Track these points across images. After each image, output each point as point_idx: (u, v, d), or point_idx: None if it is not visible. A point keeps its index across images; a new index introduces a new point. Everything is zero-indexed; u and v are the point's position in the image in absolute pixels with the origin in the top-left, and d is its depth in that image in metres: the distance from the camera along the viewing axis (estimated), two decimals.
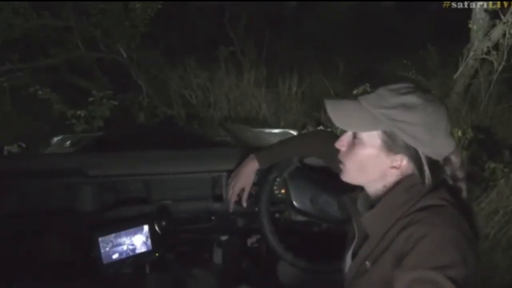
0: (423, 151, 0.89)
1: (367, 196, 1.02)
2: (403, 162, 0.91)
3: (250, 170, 1.42)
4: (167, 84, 4.72)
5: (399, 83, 0.93)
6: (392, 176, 0.93)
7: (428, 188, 0.90)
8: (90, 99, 3.80)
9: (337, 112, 0.95)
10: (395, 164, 0.92)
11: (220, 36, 5.21)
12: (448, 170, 0.93)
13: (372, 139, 0.92)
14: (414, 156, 0.90)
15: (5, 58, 4.16)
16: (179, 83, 4.67)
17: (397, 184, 0.93)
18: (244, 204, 1.45)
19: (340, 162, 1.00)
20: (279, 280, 1.53)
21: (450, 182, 0.94)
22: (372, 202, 0.98)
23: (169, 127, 3.67)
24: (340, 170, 1.02)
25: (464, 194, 0.94)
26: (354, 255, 1.02)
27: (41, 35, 4.44)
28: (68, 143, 2.45)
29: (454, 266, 0.77)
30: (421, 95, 0.89)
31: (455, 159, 0.93)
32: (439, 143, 0.89)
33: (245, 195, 1.44)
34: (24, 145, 2.57)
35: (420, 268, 0.78)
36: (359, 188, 1.05)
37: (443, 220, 0.83)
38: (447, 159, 0.92)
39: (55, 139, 2.46)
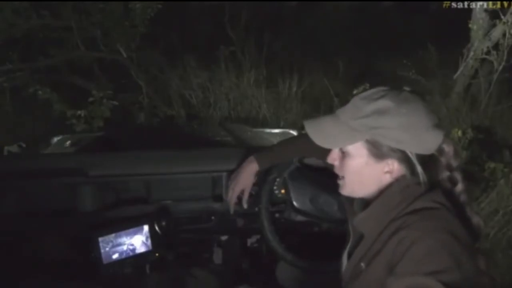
0: (411, 151, 0.89)
1: (363, 198, 1.02)
2: (394, 166, 0.91)
3: (250, 171, 1.40)
4: (167, 84, 4.72)
5: (372, 89, 0.94)
6: (387, 181, 0.94)
7: (423, 189, 0.90)
8: (90, 99, 3.80)
9: (317, 133, 0.97)
10: (387, 168, 0.92)
11: (220, 36, 5.20)
12: (443, 160, 0.93)
13: (357, 150, 0.93)
14: (403, 158, 0.90)
15: (5, 58, 4.16)
16: (179, 83, 4.67)
17: (390, 185, 0.93)
18: (245, 205, 1.44)
19: (338, 177, 1.01)
20: (279, 280, 1.53)
21: (447, 172, 0.94)
22: (368, 203, 0.98)
23: (169, 127, 3.67)
24: (338, 185, 1.02)
25: (460, 186, 0.94)
26: (349, 255, 1.02)
27: (41, 35, 4.44)
28: (68, 143, 2.45)
29: (447, 271, 0.76)
30: (392, 97, 0.89)
31: (447, 148, 0.93)
32: (424, 139, 0.89)
33: (245, 196, 1.43)
34: (24, 145, 2.57)
35: (412, 275, 0.77)
36: None
37: (435, 224, 0.82)
38: (440, 150, 0.92)
39: (55, 139, 2.46)
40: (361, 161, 0.93)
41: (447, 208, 0.87)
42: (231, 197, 1.43)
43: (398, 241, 0.83)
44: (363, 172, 0.94)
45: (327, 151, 1.03)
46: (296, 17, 7.28)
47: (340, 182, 1.01)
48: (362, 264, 0.93)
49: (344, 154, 0.96)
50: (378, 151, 0.91)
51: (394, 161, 0.91)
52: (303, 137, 1.60)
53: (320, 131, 0.97)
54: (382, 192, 0.94)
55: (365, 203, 1.00)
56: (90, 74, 5.01)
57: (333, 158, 1.00)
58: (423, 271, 0.76)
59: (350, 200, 1.07)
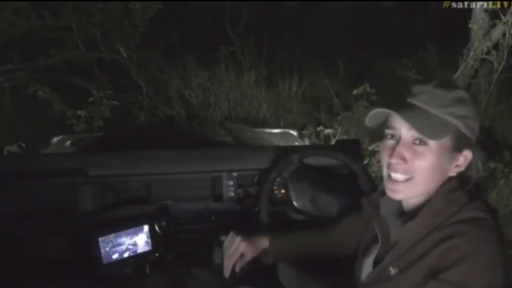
0: (476, 140, 0.88)
1: (393, 201, 0.94)
2: (468, 157, 0.87)
3: (259, 243, 1.28)
4: (167, 84, 4.73)
5: (433, 80, 0.88)
6: (448, 176, 0.88)
7: (466, 196, 0.86)
8: (90, 99, 3.81)
9: (416, 120, 0.83)
10: (460, 161, 0.87)
11: (220, 36, 5.21)
12: None
13: (441, 142, 0.84)
14: (474, 148, 0.88)
15: (5, 58, 4.16)
16: (179, 83, 4.68)
17: (438, 189, 0.88)
18: (234, 274, 1.29)
19: (407, 178, 0.87)
20: (279, 280, 1.53)
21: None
22: (405, 208, 0.93)
23: (169, 127, 3.67)
24: (393, 190, 0.89)
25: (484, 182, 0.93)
26: (376, 262, 0.95)
27: (41, 35, 4.44)
28: (68, 143, 2.45)
29: (496, 287, 0.76)
30: (460, 87, 0.89)
31: None
32: (478, 128, 0.89)
33: (239, 263, 1.28)
34: (24, 145, 2.57)
35: (462, 285, 0.76)
36: (379, 192, 1.01)
37: (490, 238, 0.80)
38: None
39: (55, 139, 2.46)
40: (442, 155, 0.84)
41: (493, 217, 0.84)
42: (231, 261, 1.29)
43: (447, 249, 0.79)
44: (438, 168, 0.85)
45: (346, 243, 1.10)
46: (296, 17, 7.28)
47: (400, 186, 0.87)
48: (391, 269, 0.88)
49: (418, 149, 0.85)
50: (460, 142, 0.85)
51: (468, 152, 0.87)
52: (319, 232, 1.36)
53: (421, 121, 0.83)
54: (429, 196, 0.88)
55: (400, 208, 0.94)
56: (90, 74, 5.02)
57: (402, 157, 0.85)
58: (473, 283, 0.75)
59: (374, 204, 0.99)
